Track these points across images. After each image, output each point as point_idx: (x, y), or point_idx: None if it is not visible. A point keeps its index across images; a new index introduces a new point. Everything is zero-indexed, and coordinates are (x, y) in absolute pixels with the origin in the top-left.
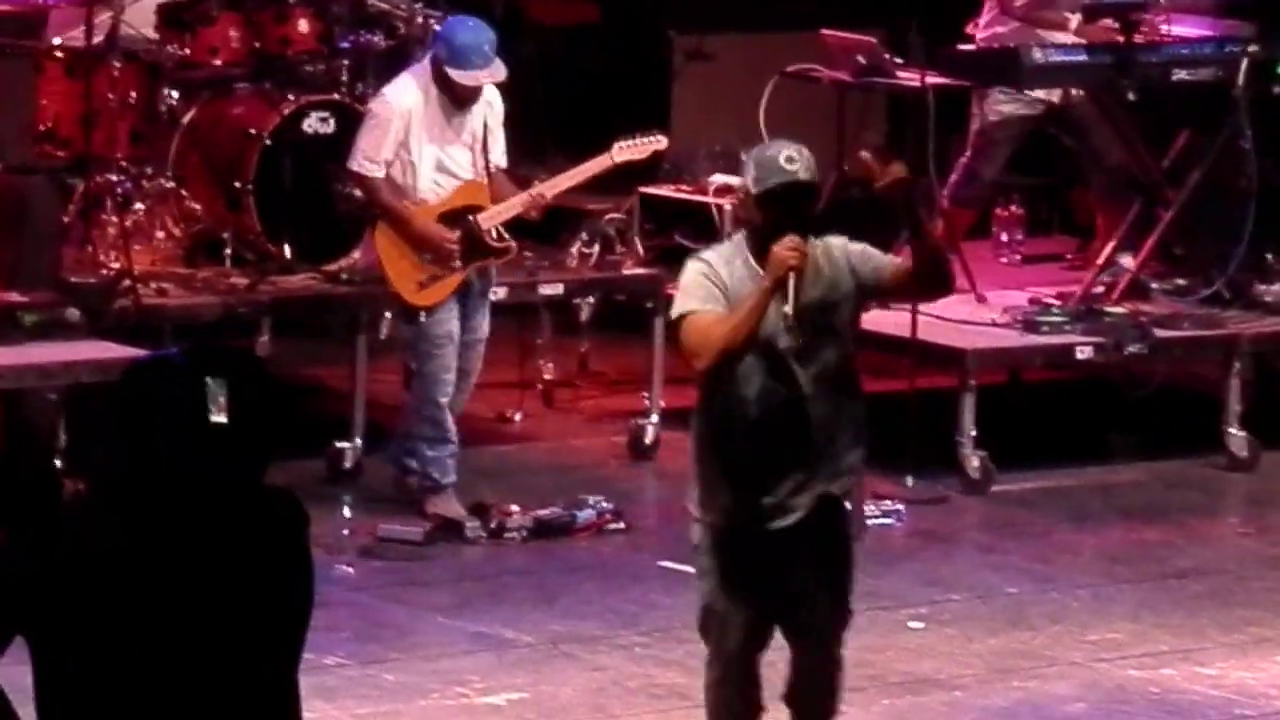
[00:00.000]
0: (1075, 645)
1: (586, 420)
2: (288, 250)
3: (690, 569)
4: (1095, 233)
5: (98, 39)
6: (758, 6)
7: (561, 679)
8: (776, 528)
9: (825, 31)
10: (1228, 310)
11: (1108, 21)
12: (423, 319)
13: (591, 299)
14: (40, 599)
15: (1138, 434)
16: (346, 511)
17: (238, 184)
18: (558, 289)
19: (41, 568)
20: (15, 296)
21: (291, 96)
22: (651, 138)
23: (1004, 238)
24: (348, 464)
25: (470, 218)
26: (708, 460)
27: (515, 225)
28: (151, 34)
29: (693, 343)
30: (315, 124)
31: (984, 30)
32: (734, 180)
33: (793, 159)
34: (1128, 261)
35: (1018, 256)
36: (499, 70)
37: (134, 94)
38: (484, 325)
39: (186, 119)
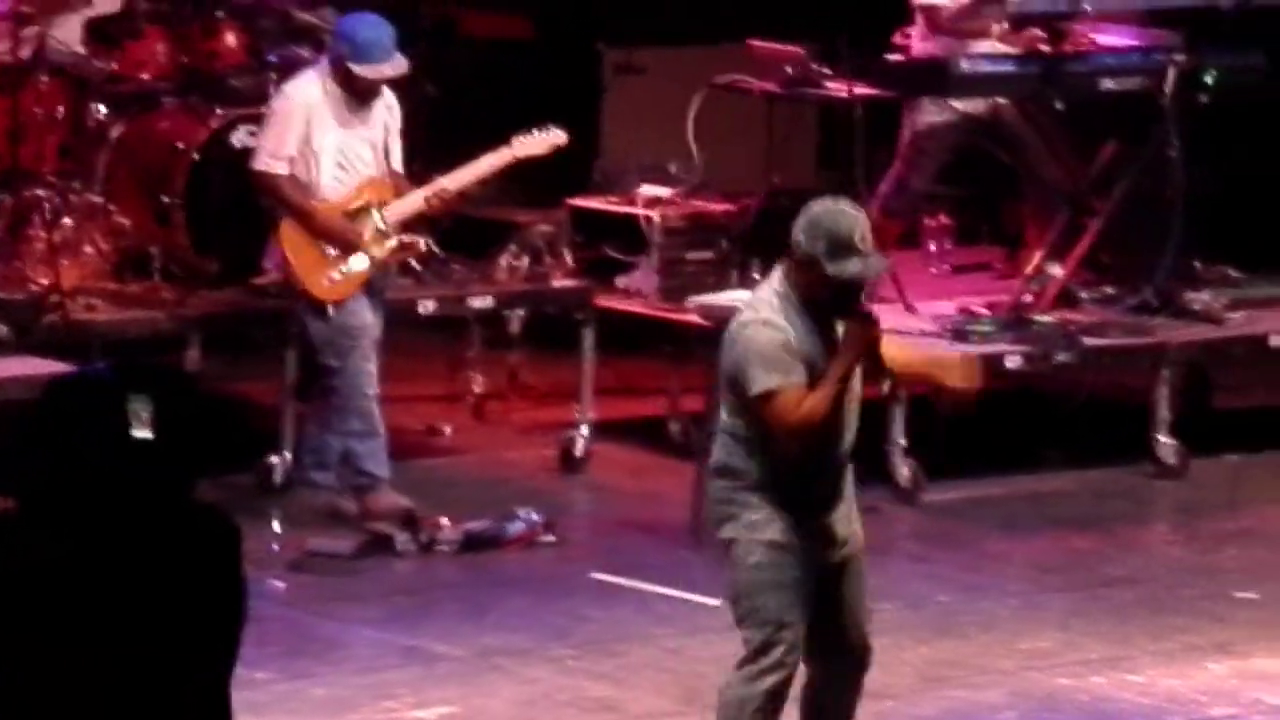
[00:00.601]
0: (1005, 654)
1: (517, 433)
2: (216, 265)
3: (623, 581)
4: (1024, 242)
5: (25, 53)
6: (688, 19)
7: (491, 692)
8: (836, 558)
9: (753, 43)
10: (1156, 319)
11: (1035, 31)
12: (332, 314)
13: (521, 311)
14: None
15: (1067, 443)
16: (276, 526)
17: (166, 199)
18: (487, 302)
19: None
20: None
21: (220, 111)
22: (550, 132)
23: (933, 248)
24: (277, 478)
25: (374, 213)
26: (756, 469)
27: (446, 239)
28: (79, 48)
29: (791, 423)
30: (243, 138)
31: (916, 44)
32: (662, 191)
33: (865, 238)
34: (1056, 270)
35: (947, 266)
36: (400, 63)
37: (62, 109)
38: (364, 314)
39: (115, 134)
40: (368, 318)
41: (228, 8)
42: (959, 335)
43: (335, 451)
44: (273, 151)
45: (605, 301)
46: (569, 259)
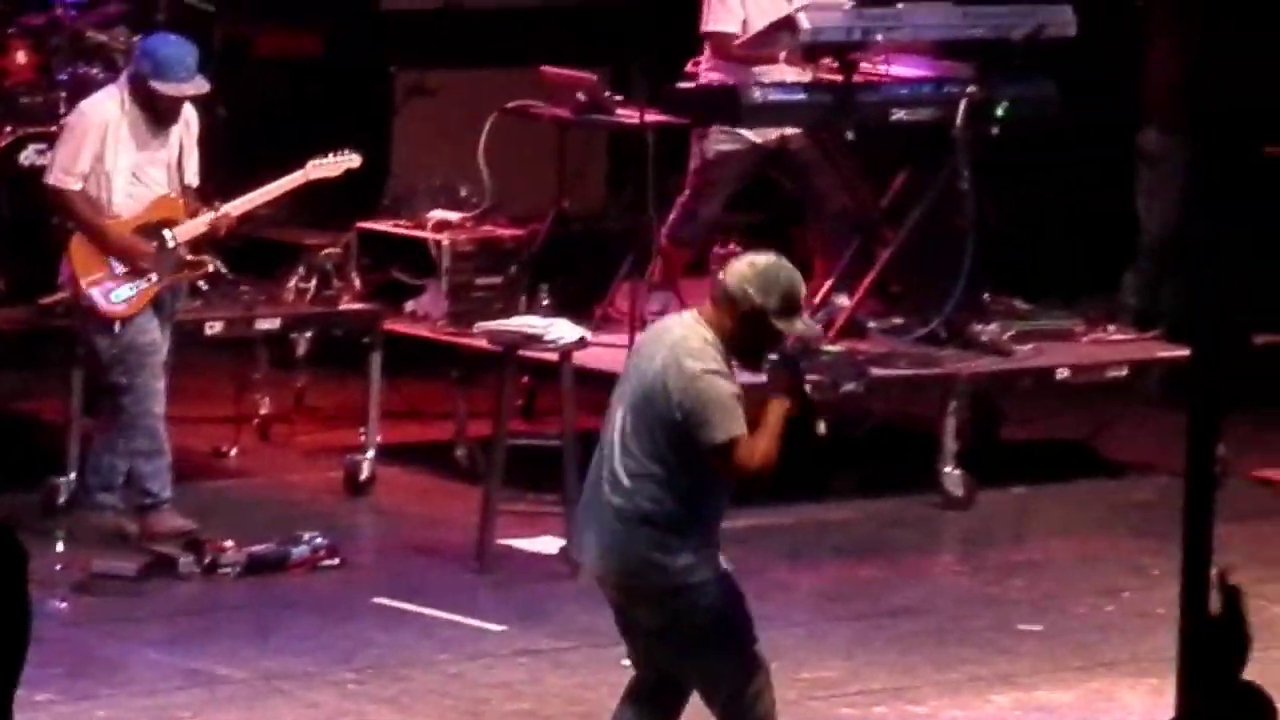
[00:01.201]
0: (789, 683)
1: (302, 455)
2: (2, 283)
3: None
4: (811, 272)
5: None
6: (480, 43)
7: (274, 716)
8: None
9: (545, 68)
10: (944, 349)
11: (827, 60)
12: (119, 330)
13: (309, 334)
14: None
15: (854, 472)
16: (60, 546)
17: None
18: (274, 324)
19: None
20: None
21: (9, 128)
22: (345, 156)
23: (722, 276)
24: (62, 498)
25: (165, 232)
26: (693, 531)
27: (234, 260)
28: None
29: (753, 468)
30: (32, 156)
31: (704, 74)
32: (452, 215)
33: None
34: (844, 300)
35: None
36: (202, 84)
37: None
38: (150, 328)
39: None
40: (156, 335)
41: (18, 26)
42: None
43: (121, 473)
44: (66, 167)
45: (393, 325)
46: (357, 282)
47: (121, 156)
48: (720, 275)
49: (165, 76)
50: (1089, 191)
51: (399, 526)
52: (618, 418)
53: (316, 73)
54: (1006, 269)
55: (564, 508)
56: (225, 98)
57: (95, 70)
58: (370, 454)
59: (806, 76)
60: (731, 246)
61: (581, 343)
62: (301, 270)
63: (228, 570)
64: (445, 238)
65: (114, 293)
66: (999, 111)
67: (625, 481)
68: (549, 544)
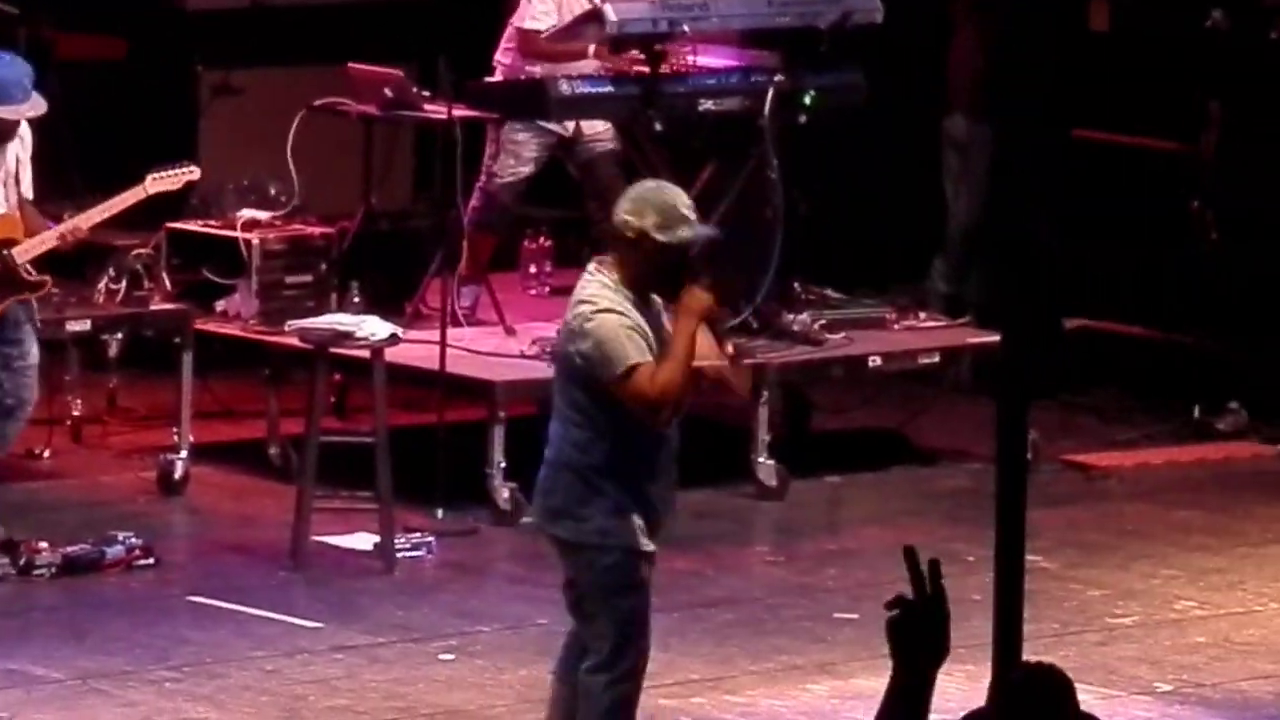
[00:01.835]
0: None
1: (115, 456)
2: None
3: (223, 604)
4: None
5: None
6: (285, 41)
7: (91, 715)
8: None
9: (352, 65)
10: (756, 340)
11: (634, 52)
12: None
13: (120, 335)
14: None
15: None
16: None
17: None
18: (85, 325)
19: None
20: None
21: None
22: (185, 169)
23: (532, 269)
24: None
25: (4, 252)
26: (616, 486)
27: (43, 262)
28: None
29: (653, 395)
30: None
31: (511, 66)
32: (261, 214)
33: (690, 206)
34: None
35: (546, 288)
36: (39, 104)
37: None
38: (33, 351)
39: None
40: None
41: None
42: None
43: None
44: None
45: (204, 325)
46: (167, 282)
47: None
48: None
49: (2, 100)
50: (897, 179)
51: (213, 525)
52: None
53: (121, 74)
54: (816, 258)
55: (378, 504)
56: None
57: None
58: (183, 454)
59: (614, 69)
60: (541, 240)
61: (393, 339)
62: (111, 271)
63: (43, 571)
64: (255, 237)
65: None
66: (806, 100)
67: (554, 432)
68: (363, 540)
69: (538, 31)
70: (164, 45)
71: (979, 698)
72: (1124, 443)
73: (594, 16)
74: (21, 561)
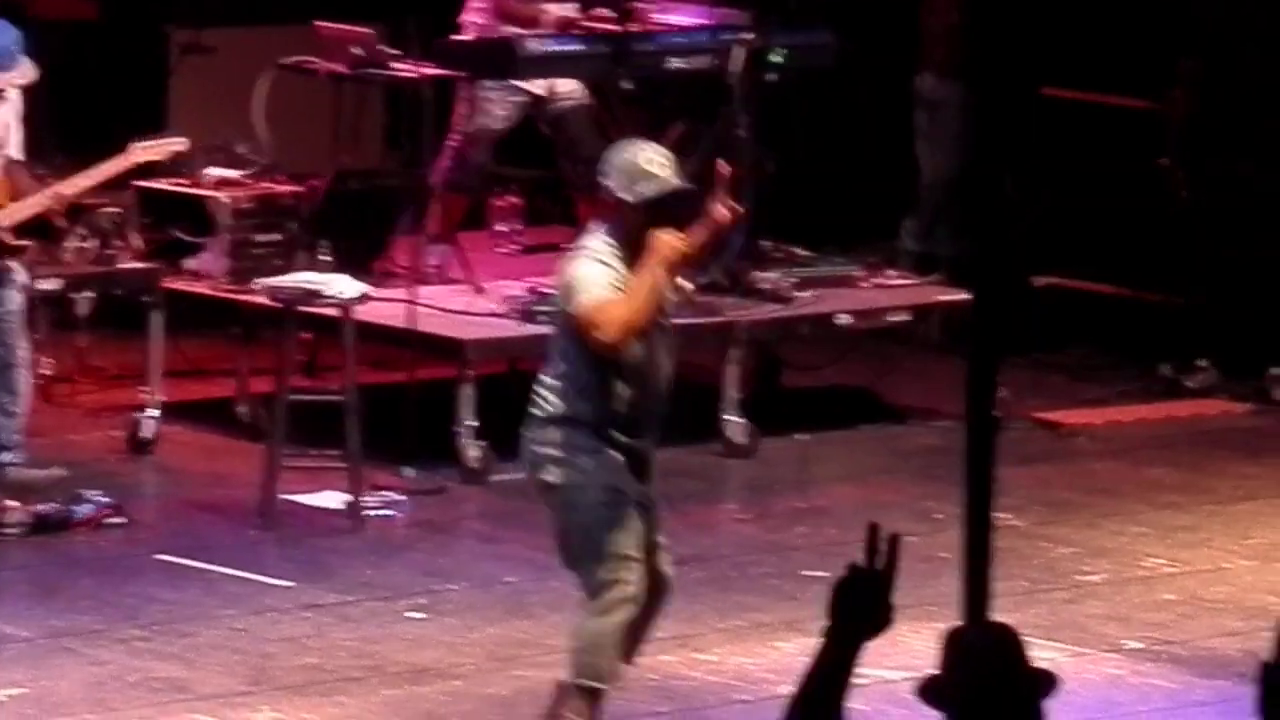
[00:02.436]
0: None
1: (85, 415)
2: None
3: (192, 562)
4: (578, 217)
5: None
6: (255, 0)
7: (61, 674)
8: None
9: (321, 24)
10: (725, 298)
11: (603, 10)
12: None
13: (89, 294)
14: None
15: None
16: None
17: None
18: (55, 284)
19: None
20: None
21: None
22: (172, 139)
23: (503, 228)
24: None
25: None
26: (597, 434)
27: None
28: None
29: (612, 333)
30: None
31: (478, 23)
32: (231, 173)
33: (657, 162)
34: None
35: (516, 247)
36: (28, 70)
37: None
38: (11, 297)
39: None
40: None
41: None
42: (528, 316)
43: None
44: None
45: (173, 284)
46: (137, 241)
47: None
48: None
49: None
50: (867, 137)
51: (183, 484)
52: None
53: (92, 33)
54: (786, 216)
55: (347, 463)
56: None
57: None
58: (153, 412)
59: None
60: (511, 198)
61: (362, 298)
62: (81, 230)
63: (13, 530)
64: (224, 195)
65: None
66: (775, 58)
67: (545, 388)
68: (333, 499)
69: None
70: (134, 5)
71: None
72: (1094, 400)
73: None
74: None
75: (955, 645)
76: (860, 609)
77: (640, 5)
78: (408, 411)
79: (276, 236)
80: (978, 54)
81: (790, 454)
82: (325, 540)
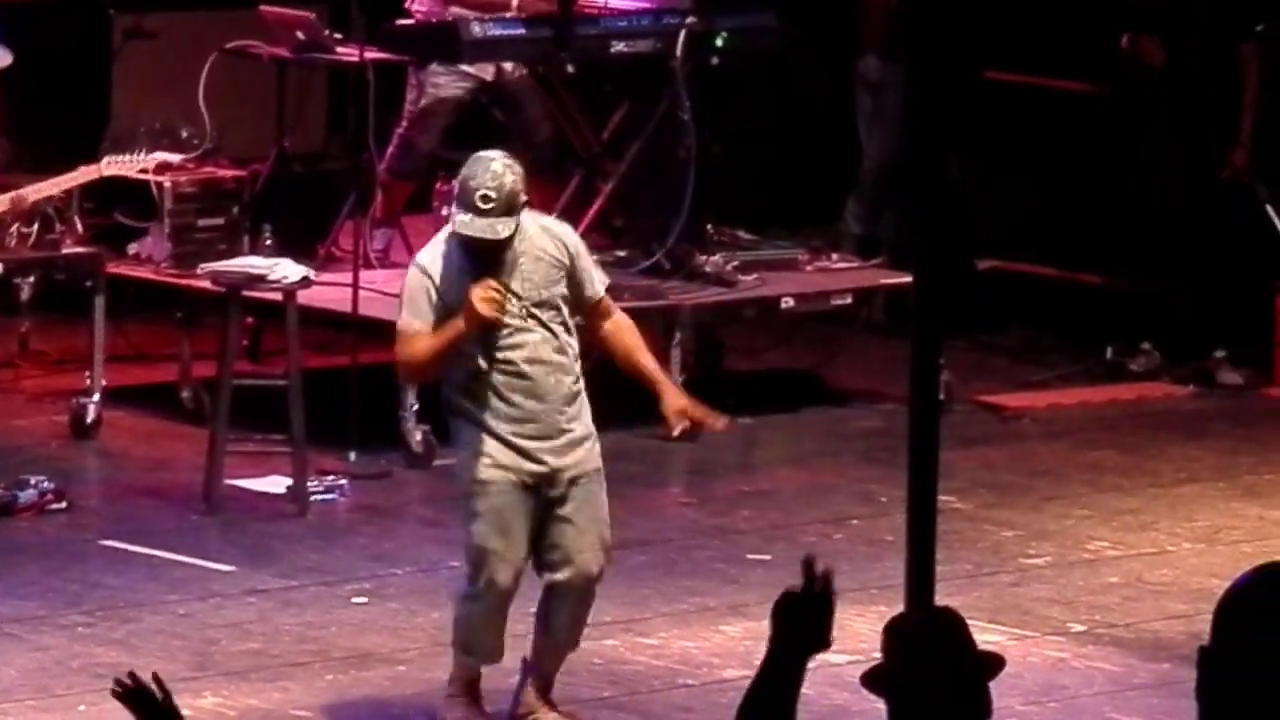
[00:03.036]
0: (519, 617)
1: (28, 400)
2: None
3: (136, 548)
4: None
5: None
6: None
7: (4, 660)
8: (553, 489)
9: (264, 8)
10: (669, 281)
11: None
12: None
13: (32, 279)
14: None
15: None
16: None
17: None
18: None
19: None
20: None
21: None
22: (145, 156)
23: (445, 212)
24: None
25: None
26: (473, 424)
27: None
28: None
29: (399, 359)
30: None
31: (423, 7)
32: (174, 157)
33: (489, 198)
34: None
35: None
36: (4, 56)
37: None
38: None
39: None
40: None
41: None
42: None
43: None
44: None
45: (116, 268)
46: (79, 226)
47: None
48: None
49: None
50: (809, 120)
51: (126, 469)
52: None
53: (34, 17)
54: (729, 199)
55: (290, 447)
56: None
57: None
58: (96, 397)
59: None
60: (455, 182)
61: (305, 282)
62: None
63: None
64: (167, 179)
65: None
66: (718, 42)
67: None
68: (276, 484)
69: None
70: None
71: None
72: (1037, 383)
73: None
74: None
75: (898, 632)
76: (803, 622)
77: None
78: (351, 396)
79: (219, 220)
80: (918, 37)
81: (733, 437)
82: (269, 525)
